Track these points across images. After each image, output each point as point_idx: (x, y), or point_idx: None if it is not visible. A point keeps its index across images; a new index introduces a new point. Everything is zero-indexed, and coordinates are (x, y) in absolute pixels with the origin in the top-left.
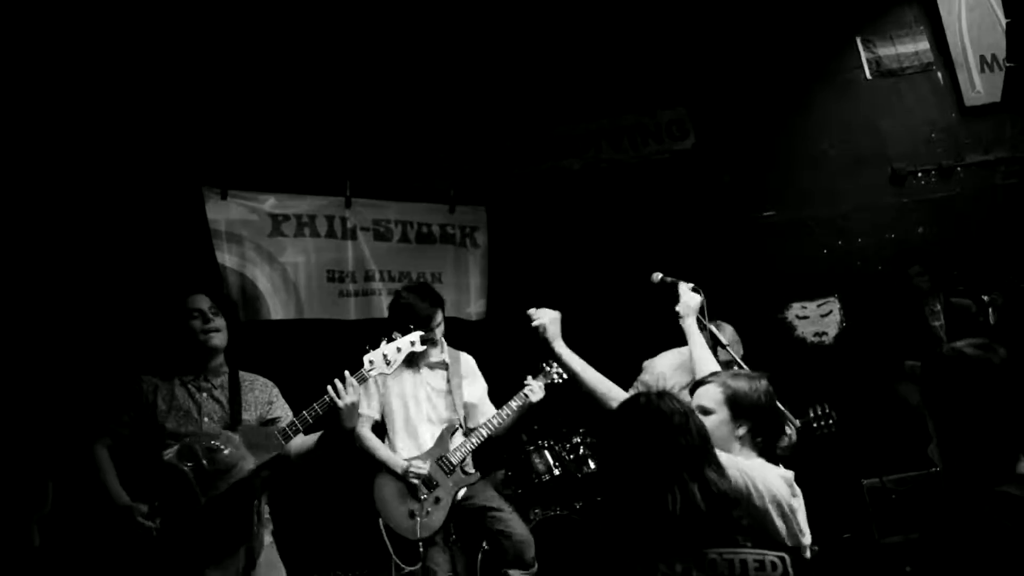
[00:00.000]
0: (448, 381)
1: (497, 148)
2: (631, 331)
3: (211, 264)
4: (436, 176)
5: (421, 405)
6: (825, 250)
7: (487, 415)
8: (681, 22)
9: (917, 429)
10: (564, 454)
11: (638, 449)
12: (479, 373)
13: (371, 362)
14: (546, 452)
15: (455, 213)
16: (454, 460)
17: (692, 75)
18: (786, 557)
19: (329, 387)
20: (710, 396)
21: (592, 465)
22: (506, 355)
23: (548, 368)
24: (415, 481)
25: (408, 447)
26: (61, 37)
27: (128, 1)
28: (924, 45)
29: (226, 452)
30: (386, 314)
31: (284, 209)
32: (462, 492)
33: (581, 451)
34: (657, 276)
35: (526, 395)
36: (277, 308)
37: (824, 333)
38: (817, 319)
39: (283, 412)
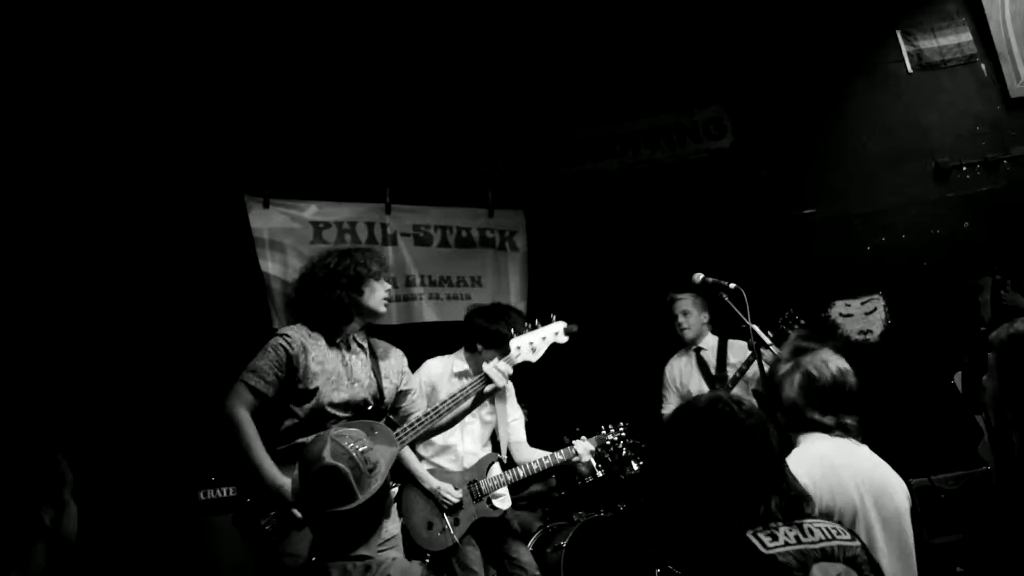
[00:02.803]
0: (495, 404)
1: (535, 151)
2: (671, 332)
3: (255, 271)
4: (475, 180)
5: (465, 426)
6: (868, 247)
7: (522, 452)
8: (717, 19)
9: (966, 427)
10: (607, 456)
11: (723, 459)
12: (515, 400)
13: (518, 348)
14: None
15: (494, 217)
16: (484, 489)
17: (729, 72)
18: (841, 524)
19: (486, 367)
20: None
21: (635, 467)
22: (547, 359)
23: (605, 432)
24: (444, 503)
25: (444, 461)
26: (107, 47)
27: (174, 13)
28: (967, 36)
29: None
30: (426, 319)
31: (325, 216)
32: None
33: (624, 453)
34: (698, 277)
35: (573, 456)
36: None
37: (869, 331)
38: (861, 317)
39: (415, 384)
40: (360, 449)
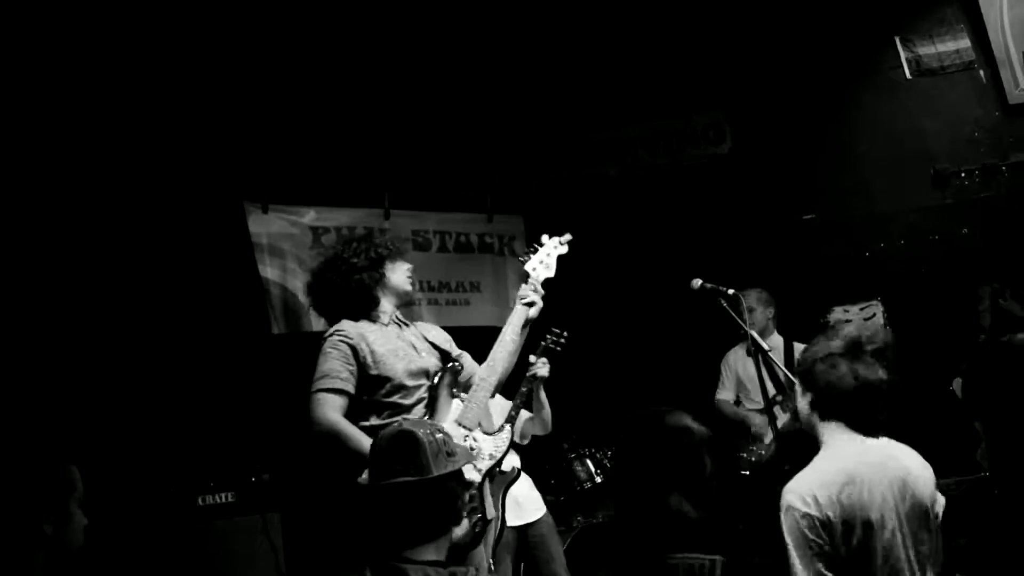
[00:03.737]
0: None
1: (534, 156)
2: (672, 337)
3: (254, 277)
4: (473, 186)
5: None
6: (867, 252)
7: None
8: (716, 25)
9: (965, 433)
10: (605, 461)
11: (644, 461)
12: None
13: (534, 269)
14: (587, 459)
15: (493, 222)
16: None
17: (728, 78)
18: (717, 559)
19: (523, 290)
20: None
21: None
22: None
23: (544, 342)
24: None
25: None
26: (106, 54)
27: (171, 19)
28: (965, 43)
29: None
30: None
31: (324, 222)
32: (522, 517)
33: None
34: (697, 282)
35: (530, 381)
36: (319, 319)
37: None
38: (860, 323)
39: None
40: (438, 435)
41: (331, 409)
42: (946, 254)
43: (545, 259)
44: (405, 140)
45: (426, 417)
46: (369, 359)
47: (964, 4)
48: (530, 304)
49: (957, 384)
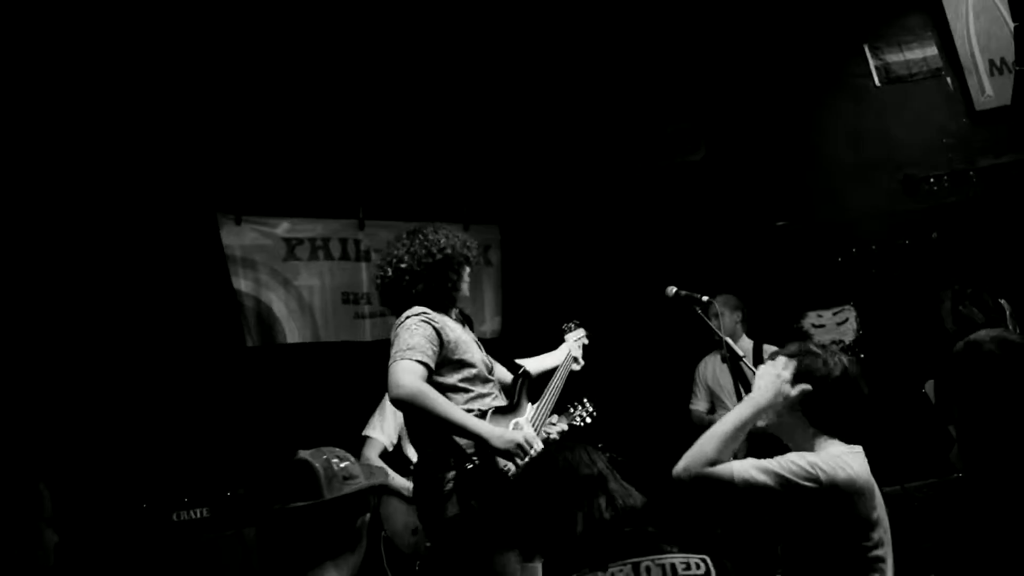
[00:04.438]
0: None
1: (509, 166)
2: (647, 345)
3: (227, 289)
4: (449, 195)
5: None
6: (839, 258)
7: None
8: (689, 34)
9: (938, 435)
10: None
11: (544, 488)
12: None
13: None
14: None
15: (468, 232)
16: None
17: (701, 87)
18: (707, 559)
19: (574, 349)
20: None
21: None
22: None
23: (572, 410)
24: None
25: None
26: (75, 61)
27: (143, 27)
28: (932, 51)
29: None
30: None
31: (298, 233)
32: None
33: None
34: (671, 290)
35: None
36: (293, 332)
37: (841, 341)
38: (833, 327)
39: None
40: (335, 461)
41: (415, 376)
42: (917, 258)
43: (578, 340)
44: (379, 150)
45: (507, 412)
46: (452, 344)
47: (931, 13)
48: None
49: (929, 386)
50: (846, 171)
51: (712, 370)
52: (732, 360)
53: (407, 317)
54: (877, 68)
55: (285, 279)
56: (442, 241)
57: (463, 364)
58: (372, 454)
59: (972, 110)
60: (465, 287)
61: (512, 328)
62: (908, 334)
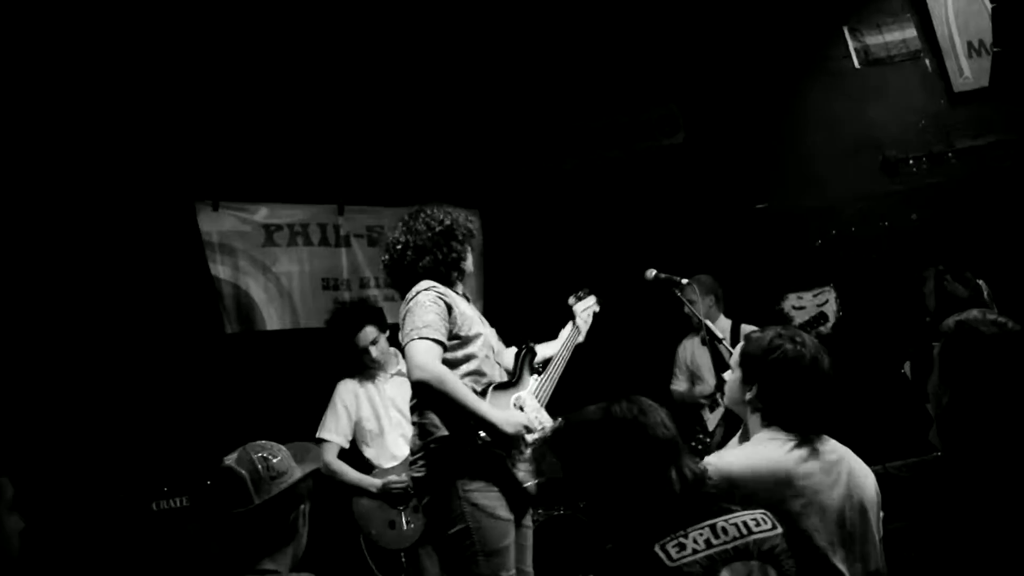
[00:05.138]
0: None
1: (489, 151)
2: (628, 328)
3: (205, 276)
4: (429, 181)
5: (391, 415)
6: (819, 240)
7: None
8: (667, 17)
9: (917, 415)
10: None
11: (611, 462)
12: None
13: (584, 310)
14: (547, 452)
15: None
16: None
17: (681, 70)
18: (767, 513)
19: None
20: (735, 354)
21: None
22: None
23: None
24: (397, 491)
25: (381, 455)
26: (51, 48)
27: (118, 13)
28: (911, 33)
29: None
30: None
31: (276, 219)
32: None
33: None
34: (651, 273)
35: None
36: (272, 318)
37: (820, 321)
38: (813, 309)
39: None
40: (262, 460)
41: (435, 357)
42: (896, 240)
43: (587, 310)
44: (359, 135)
45: (507, 387)
46: (461, 320)
47: None
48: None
49: (908, 367)
50: (825, 153)
51: (691, 351)
52: (711, 342)
53: (417, 293)
54: (856, 50)
55: (264, 265)
56: (442, 215)
57: (469, 339)
58: (330, 457)
59: (951, 92)
60: (470, 261)
61: (494, 312)
62: (888, 315)
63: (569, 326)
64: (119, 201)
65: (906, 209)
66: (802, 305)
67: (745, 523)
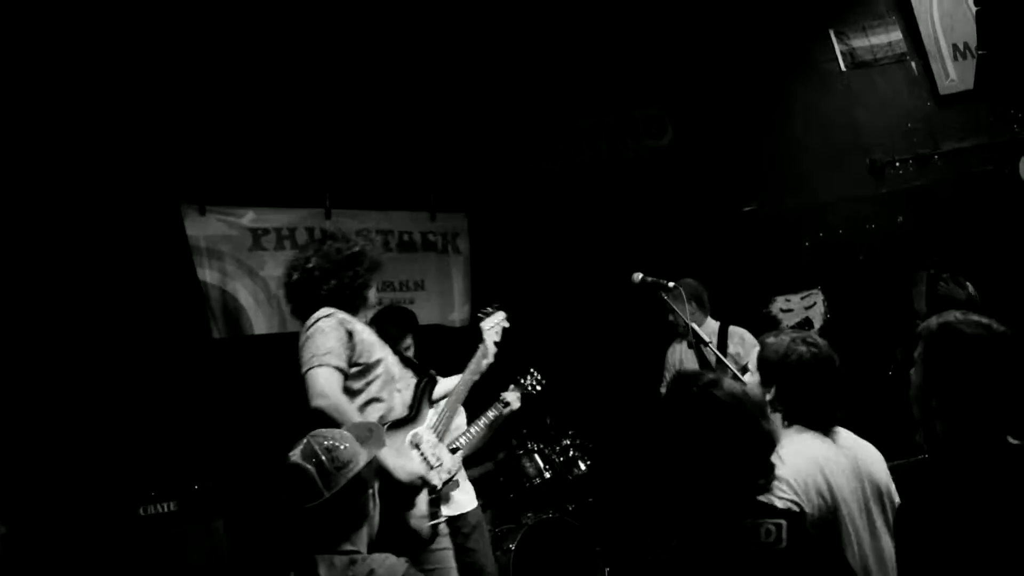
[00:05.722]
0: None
1: (476, 153)
2: (615, 331)
3: (192, 280)
4: (416, 184)
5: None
6: (807, 242)
7: (462, 429)
8: (655, 20)
9: (904, 417)
10: (554, 457)
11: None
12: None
13: (491, 328)
14: (536, 455)
15: (436, 220)
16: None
17: (668, 72)
18: (782, 523)
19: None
20: (752, 357)
21: (583, 467)
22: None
23: (523, 380)
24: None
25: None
26: (40, 53)
27: (105, 17)
28: (897, 36)
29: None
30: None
31: (263, 223)
32: (447, 509)
33: (571, 453)
34: (638, 276)
35: (501, 407)
36: (260, 322)
37: (809, 325)
38: (801, 311)
39: None
40: (326, 452)
41: (336, 385)
42: (883, 242)
43: (496, 326)
44: (346, 139)
45: (404, 424)
46: (361, 347)
47: None
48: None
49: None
50: (812, 156)
51: (679, 355)
52: (697, 345)
53: (318, 319)
54: (843, 53)
55: (251, 269)
56: (352, 242)
57: (370, 367)
58: None
59: (936, 94)
60: (374, 293)
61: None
62: (875, 317)
63: (479, 348)
64: (107, 206)
65: (892, 211)
66: (790, 307)
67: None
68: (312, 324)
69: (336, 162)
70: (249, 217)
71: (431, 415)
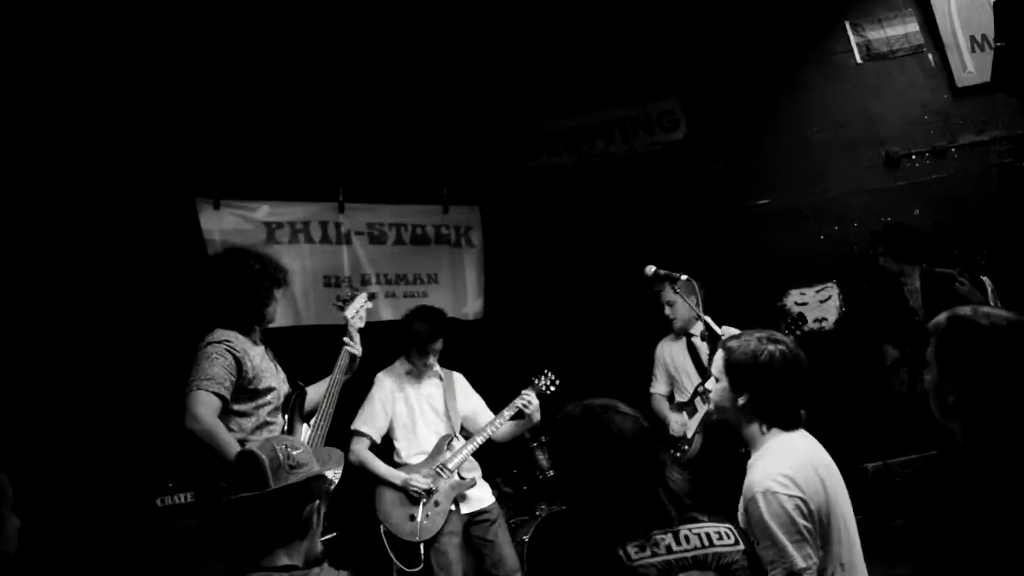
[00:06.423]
0: (444, 395)
1: (489, 147)
2: (627, 325)
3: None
4: (429, 177)
5: (426, 414)
6: (821, 236)
7: (485, 422)
8: (669, 12)
9: (918, 413)
10: None
11: (602, 467)
12: (471, 389)
13: (352, 317)
14: (548, 447)
15: (449, 213)
16: (451, 466)
17: (682, 65)
18: (732, 527)
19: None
20: (716, 363)
21: None
22: (504, 353)
23: (537, 380)
24: (415, 493)
25: (410, 448)
26: (54, 48)
27: (119, 13)
28: (913, 27)
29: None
30: (383, 317)
31: (277, 217)
32: (466, 506)
33: None
34: (651, 269)
35: (521, 406)
36: (275, 316)
37: (824, 319)
38: (816, 305)
39: None
40: (284, 450)
41: (212, 411)
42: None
43: (359, 311)
44: (359, 133)
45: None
46: (252, 373)
47: None
48: (355, 353)
49: (890, 352)
50: (828, 149)
51: (670, 352)
52: (710, 339)
53: (208, 344)
54: (858, 45)
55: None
56: (251, 260)
57: (259, 392)
58: (360, 448)
59: (953, 86)
60: (274, 309)
61: (494, 310)
62: (890, 311)
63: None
64: (122, 201)
65: (909, 204)
66: (805, 301)
67: (708, 535)
68: (202, 347)
69: (349, 156)
70: (263, 211)
71: (305, 431)
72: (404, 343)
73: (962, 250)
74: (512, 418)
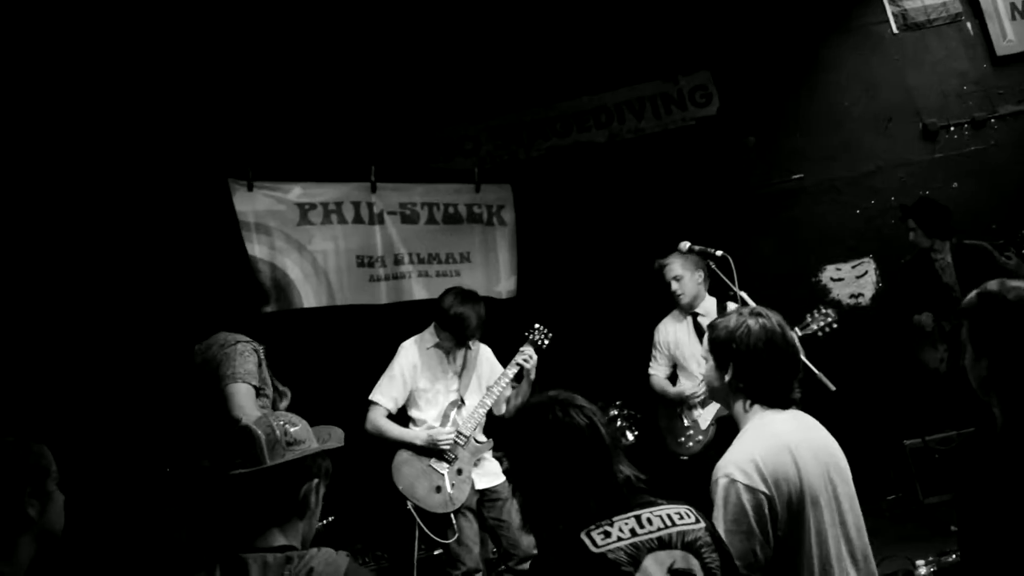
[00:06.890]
0: (470, 369)
1: (520, 124)
2: (661, 302)
3: (242, 255)
4: (460, 156)
5: (450, 388)
6: (857, 210)
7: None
8: None
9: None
10: None
11: (557, 457)
12: (497, 363)
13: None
14: None
15: (481, 192)
16: (466, 431)
17: (713, 38)
18: (691, 508)
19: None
20: (704, 342)
21: (630, 437)
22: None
23: (530, 335)
24: (446, 446)
25: (427, 413)
26: (87, 32)
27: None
28: None
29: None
30: (416, 296)
31: (310, 198)
32: (480, 481)
33: (619, 424)
34: (685, 245)
35: (521, 362)
36: (309, 296)
37: (860, 294)
38: (852, 280)
39: None
40: (281, 426)
41: (253, 402)
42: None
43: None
44: (390, 113)
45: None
46: (262, 374)
47: None
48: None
49: (926, 319)
50: (864, 121)
51: (673, 333)
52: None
53: (237, 341)
54: (895, 14)
55: (299, 244)
56: None
57: (259, 392)
58: (377, 416)
59: (993, 55)
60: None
61: (526, 287)
62: (928, 287)
63: None
64: (157, 183)
65: (947, 177)
66: (841, 276)
67: (669, 515)
68: (232, 344)
69: (382, 136)
70: (296, 192)
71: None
72: (441, 323)
73: (1001, 223)
74: (514, 378)
